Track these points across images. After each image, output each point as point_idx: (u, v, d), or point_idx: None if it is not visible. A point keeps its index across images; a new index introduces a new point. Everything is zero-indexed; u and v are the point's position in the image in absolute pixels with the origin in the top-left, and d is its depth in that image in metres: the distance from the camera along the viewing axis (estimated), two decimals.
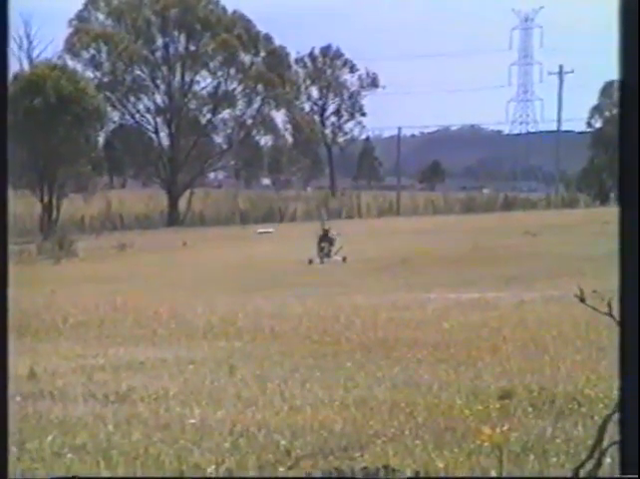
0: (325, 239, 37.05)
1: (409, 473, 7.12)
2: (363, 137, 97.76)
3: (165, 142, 71.33)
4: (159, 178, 71.41)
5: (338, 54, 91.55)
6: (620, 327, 4.23)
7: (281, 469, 7.36)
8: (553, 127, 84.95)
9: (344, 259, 34.95)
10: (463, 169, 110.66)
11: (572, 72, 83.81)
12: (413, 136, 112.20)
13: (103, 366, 12.48)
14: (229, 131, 72.23)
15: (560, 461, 7.42)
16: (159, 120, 70.88)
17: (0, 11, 4.16)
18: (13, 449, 7.94)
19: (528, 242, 37.99)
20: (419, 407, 9.40)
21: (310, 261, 34.61)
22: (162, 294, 27.37)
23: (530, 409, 9.13)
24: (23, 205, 64.58)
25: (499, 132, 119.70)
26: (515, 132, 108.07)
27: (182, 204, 70.14)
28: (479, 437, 7.57)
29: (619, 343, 4.19)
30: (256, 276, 32.98)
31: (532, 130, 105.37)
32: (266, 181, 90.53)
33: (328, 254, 36.01)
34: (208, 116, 71.60)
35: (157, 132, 71.18)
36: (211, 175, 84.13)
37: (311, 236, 49.51)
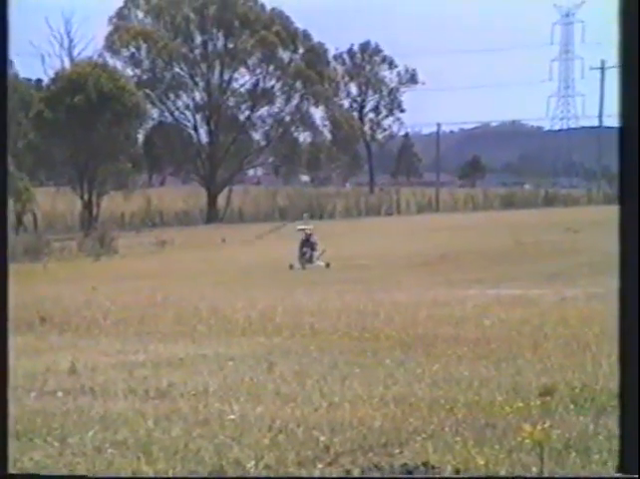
0: (307, 243, 35.04)
1: (449, 470, 7.08)
2: (402, 133, 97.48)
3: (204, 139, 71.58)
4: (198, 175, 71.64)
5: (377, 50, 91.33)
6: (620, 328, 4.20)
7: (320, 465, 7.34)
8: (595, 122, 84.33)
9: (327, 265, 33.20)
10: (503, 165, 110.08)
11: (614, 67, 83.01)
12: (452, 132, 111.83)
13: (143, 363, 12.53)
14: (268, 128, 72.33)
15: (602, 458, 7.35)
16: (198, 117, 71.13)
17: (0, 12, 4.16)
18: (55, 444, 7.99)
19: (570, 239, 37.71)
20: (459, 404, 9.34)
21: (291, 267, 33.02)
22: (202, 291, 27.45)
23: (572, 406, 9.05)
24: (64, 202, 65.06)
25: (540, 128, 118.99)
26: (557, 128, 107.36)
27: (221, 201, 70.34)
28: (520, 434, 7.51)
29: (619, 344, 4.15)
30: (295, 272, 32.99)
31: (574, 126, 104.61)
32: (305, 177, 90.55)
33: (310, 260, 34.24)
34: (247, 113, 71.73)
35: (196, 129, 71.44)
36: (250, 171, 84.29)
37: (349, 232, 49.40)
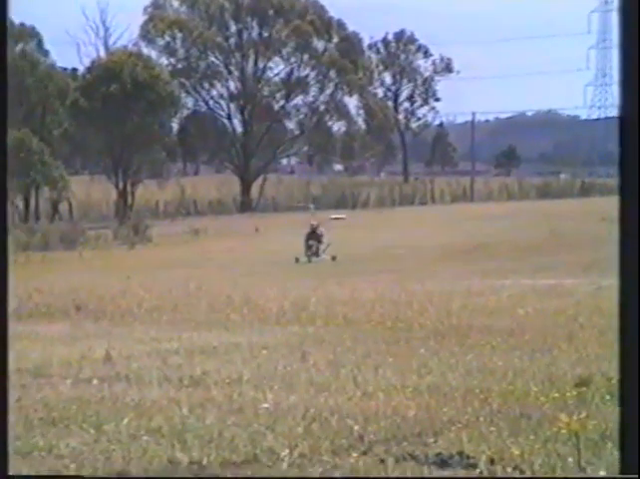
0: (313, 236, 34.20)
1: (484, 460, 7.04)
2: (436, 122, 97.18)
3: (239, 128, 71.68)
4: (231, 164, 71.77)
5: (412, 39, 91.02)
6: (620, 329, 4.16)
7: (354, 454, 7.33)
8: None
9: (333, 258, 32.47)
10: (539, 154, 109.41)
11: None
12: (487, 121, 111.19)
13: (177, 350, 12.56)
14: (302, 117, 72.31)
15: None
16: (232, 106, 71.23)
17: (0, 13, 4.14)
18: (91, 431, 8.02)
19: (606, 229, 37.44)
20: (493, 394, 9.30)
21: (297, 260, 32.31)
22: (235, 279, 27.51)
23: (608, 397, 8.98)
24: (99, 191, 65.41)
25: (576, 117, 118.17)
26: (593, 117, 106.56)
27: (255, 190, 70.44)
28: (555, 424, 7.46)
29: (619, 342, 4.12)
30: (328, 262, 32.98)
31: (610, 114, 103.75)
32: (339, 167, 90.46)
33: (316, 253, 33.50)
34: (281, 102, 71.74)
35: (230, 118, 71.57)
36: (284, 161, 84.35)
37: (383, 221, 49.37)
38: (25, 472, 6.96)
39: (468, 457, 7.03)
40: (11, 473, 5.54)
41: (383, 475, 6.88)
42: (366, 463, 7.13)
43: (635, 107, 4.14)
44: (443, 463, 7.00)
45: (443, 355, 11.85)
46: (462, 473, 6.86)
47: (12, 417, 8.56)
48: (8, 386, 4.22)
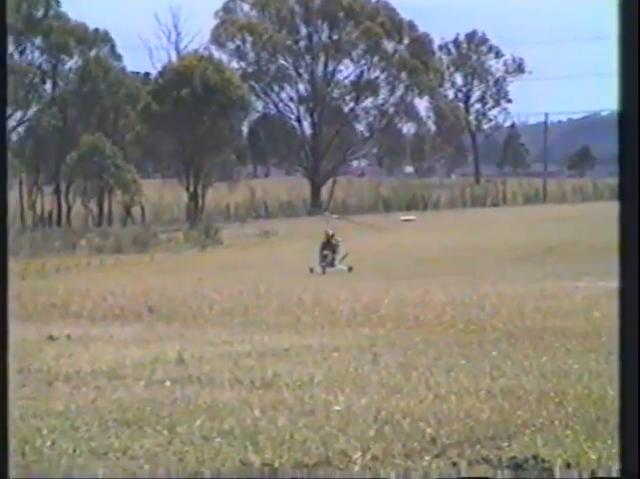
0: (328, 245, 32.66)
1: (559, 464, 6.94)
2: (508, 123, 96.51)
3: (308, 130, 71.85)
4: (301, 166, 71.96)
5: (483, 39, 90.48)
6: (620, 327, 4.07)
7: (427, 458, 7.27)
8: None
9: (350, 269, 31.01)
10: (613, 155, 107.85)
11: None
12: (560, 122, 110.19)
13: (248, 353, 12.60)
14: (372, 119, 72.24)
15: None
16: (301, 109, 71.42)
17: (0, 12, 4.15)
18: (164, 432, 8.06)
19: None
20: (568, 397, 9.17)
21: (311, 270, 30.79)
22: (306, 282, 27.55)
23: None
24: (171, 194, 66.00)
25: None
26: None
27: (325, 192, 70.52)
28: None
29: (619, 344, 4.04)
30: (399, 264, 32.89)
31: None
32: (409, 168, 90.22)
33: (332, 264, 31.98)
34: (351, 104, 71.75)
35: (299, 121, 71.74)
36: (354, 163, 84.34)
37: (453, 223, 49.11)
38: (101, 474, 7.02)
39: (543, 461, 6.93)
40: (13, 476, 5.56)
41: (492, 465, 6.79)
42: (439, 466, 7.07)
43: (635, 102, 4.05)
44: (517, 467, 6.92)
45: (516, 358, 11.72)
46: (537, 477, 6.76)
47: (87, 418, 8.66)
48: (8, 386, 4.24)
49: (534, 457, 7.01)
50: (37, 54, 69.24)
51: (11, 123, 69.94)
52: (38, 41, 68.78)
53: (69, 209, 68.40)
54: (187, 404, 9.25)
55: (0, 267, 4.09)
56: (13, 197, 69.35)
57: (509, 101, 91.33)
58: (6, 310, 4.14)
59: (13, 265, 37.03)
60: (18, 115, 69.55)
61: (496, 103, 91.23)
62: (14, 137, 71.16)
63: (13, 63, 66.39)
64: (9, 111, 68.67)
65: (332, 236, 33.49)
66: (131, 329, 15.52)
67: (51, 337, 14.19)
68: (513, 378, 10.34)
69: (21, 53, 69.14)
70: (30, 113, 69.15)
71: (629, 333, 4.01)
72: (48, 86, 69.96)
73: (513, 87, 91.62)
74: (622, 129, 4.15)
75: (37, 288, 24.94)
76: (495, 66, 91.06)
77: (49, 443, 7.78)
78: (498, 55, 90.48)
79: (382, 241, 40.61)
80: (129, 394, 9.82)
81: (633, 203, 4.09)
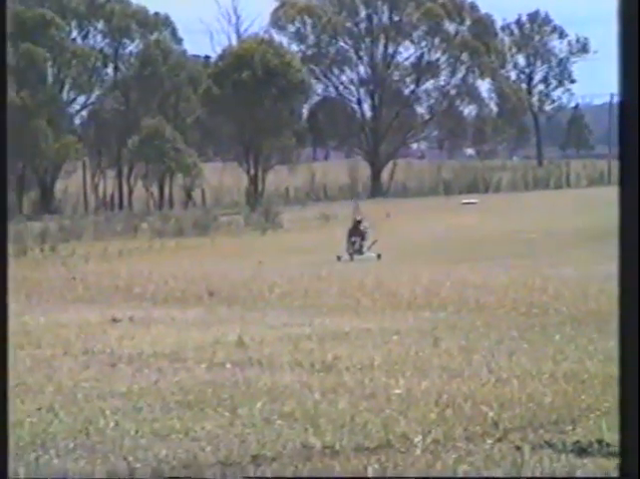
0: (356, 232, 31.52)
1: None
2: (572, 104, 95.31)
3: (368, 113, 71.59)
4: (361, 149, 71.78)
5: (547, 20, 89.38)
6: (620, 327, 3.99)
7: (489, 441, 7.22)
8: None
9: (379, 257, 29.74)
10: None
11: None
12: None
13: (309, 335, 12.61)
14: (432, 101, 71.79)
15: None
16: (362, 91, 71.18)
17: (0, 12, 4.15)
18: (225, 414, 8.09)
19: None
20: None
21: (339, 258, 29.61)
22: (366, 265, 27.51)
23: None
24: (231, 177, 66.26)
25: None
26: None
27: (385, 175, 70.33)
28: None
29: (619, 343, 3.97)
30: (461, 247, 32.71)
31: None
32: (470, 151, 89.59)
33: (360, 251, 30.82)
34: (411, 86, 71.36)
35: (359, 103, 71.55)
36: (414, 145, 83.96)
37: (516, 205, 48.65)
38: (163, 453, 7.06)
39: (608, 445, 6.84)
40: (13, 475, 5.56)
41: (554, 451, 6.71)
42: (501, 450, 7.01)
43: (635, 91, 3.98)
44: (581, 451, 6.84)
45: (580, 342, 11.60)
46: (602, 461, 6.68)
47: (150, 399, 8.72)
48: (8, 386, 4.26)
49: (599, 441, 6.93)
50: (99, 38, 69.77)
51: (74, 107, 70.69)
52: (100, 25, 69.31)
53: (130, 192, 69.00)
54: (248, 386, 9.28)
55: (0, 266, 4.10)
56: (76, 180, 70.13)
57: (573, 81, 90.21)
58: (6, 310, 4.15)
59: (77, 248, 37.46)
60: (81, 99, 70.22)
61: (560, 84, 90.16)
62: (77, 121, 71.91)
63: (76, 47, 67.01)
64: (72, 95, 69.42)
65: (360, 221, 32.52)
66: (192, 312, 15.61)
67: (114, 320, 14.33)
68: (577, 362, 10.23)
69: (84, 37, 69.75)
70: (93, 97, 69.75)
71: (629, 331, 3.98)
72: (110, 70, 70.51)
73: (578, 67, 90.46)
74: (623, 118, 4.11)
75: (100, 271, 25.20)
76: (559, 46, 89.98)
77: (112, 424, 7.85)
78: (562, 35, 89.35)
79: (442, 224, 40.41)
80: (190, 376, 9.88)
81: (633, 194, 4.05)
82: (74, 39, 68.24)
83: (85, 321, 14.31)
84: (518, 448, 6.99)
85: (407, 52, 70.48)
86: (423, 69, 70.00)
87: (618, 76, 4.11)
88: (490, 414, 7.90)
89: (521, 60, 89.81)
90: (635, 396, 3.98)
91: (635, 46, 3.98)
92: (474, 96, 72.00)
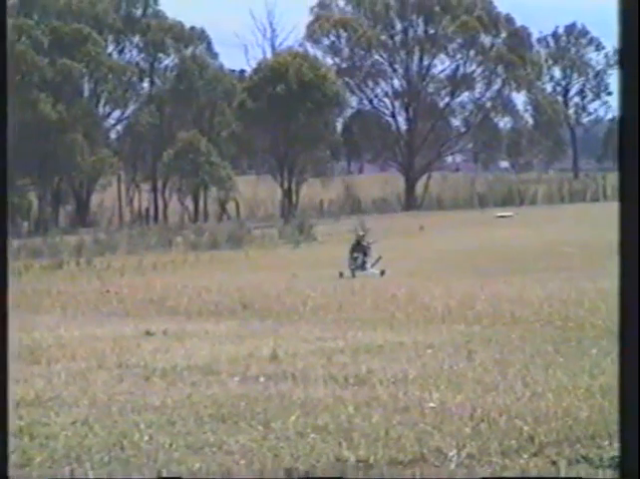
0: (358, 247, 30.95)
1: None
2: (609, 117, 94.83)
3: (403, 126, 71.60)
4: (396, 162, 71.75)
5: (583, 32, 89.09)
6: (620, 328, 3.96)
7: (525, 456, 7.15)
8: None
9: (382, 273, 28.94)
10: None
11: None
12: None
13: (342, 349, 12.56)
14: (467, 114, 71.68)
15: None
16: (396, 104, 71.19)
17: (0, 12, 4.15)
18: (259, 428, 8.07)
19: None
20: None
21: (341, 275, 28.79)
22: (400, 278, 27.44)
23: None
24: (265, 190, 66.42)
25: None
26: None
27: (420, 187, 70.23)
28: None
29: (619, 344, 3.93)
30: (495, 261, 32.56)
31: None
32: (505, 163, 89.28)
33: (362, 267, 30.20)
34: (446, 99, 71.30)
35: (394, 116, 71.53)
36: (449, 158, 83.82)
37: (551, 218, 48.32)
38: (197, 467, 7.05)
39: None
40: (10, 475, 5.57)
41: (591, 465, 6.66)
42: (537, 465, 6.95)
43: (636, 106, 3.96)
44: (618, 466, 6.75)
45: (616, 356, 11.47)
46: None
47: (183, 413, 8.72)
48: (8, 386, 4.25)
49: None
50: (135, 52, 70.32)
51: (110, 121, 71.16)
52: (136, 39, 69.84)
53: (165, 205, 69.34)
54: (282, 400, 9.25)
55: (0, 267, 4.11)
56: (112, 194, 70.54)
57: (610, 93, 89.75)
58: (6, 310, 4.15)
59: (112, 261, 37.68)
60: (117, 113, 70.72)
61: (597, 96, 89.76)
62: (113, 135, 72.37)
63: (112, 62, 67.51)
64: (108, 109, 69.91)
65: (362, 236, 32.02)
66: (225, 325, 15.62)
67: (148, 333, 14.36)
68: (614, 377, 10.10)
69: (120, 52, 70.29)
70: (128, 111, 70.22)
71: (629, 334, 3.95)
72: (145, 84, 71.00)
73: (615, 79, 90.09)
74: (623, 133, 4.11)
75: (135, 284, 25.30)
76: (596, 58, 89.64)
77: (146, 438, 7.86)
78: (599, 47, 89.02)
79: (476, 237, 40.26)
80: (223, 390, 9.87)
81: (633, 203, 4.05)
82: (110, 54, 68.78)
83: (119, 334, 14.35)
84: (554, 463, 6.92)
85: (442, 65, 70.52)
86: (458, 81, 69.92)
87: (618, 92, 4.12)
88: (526, 429, 7.83)
89: (558, 72, 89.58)
90: (635, 397, 3.96)
91: (635, 62, 3.98)
92: (509, 108, 71.81)
